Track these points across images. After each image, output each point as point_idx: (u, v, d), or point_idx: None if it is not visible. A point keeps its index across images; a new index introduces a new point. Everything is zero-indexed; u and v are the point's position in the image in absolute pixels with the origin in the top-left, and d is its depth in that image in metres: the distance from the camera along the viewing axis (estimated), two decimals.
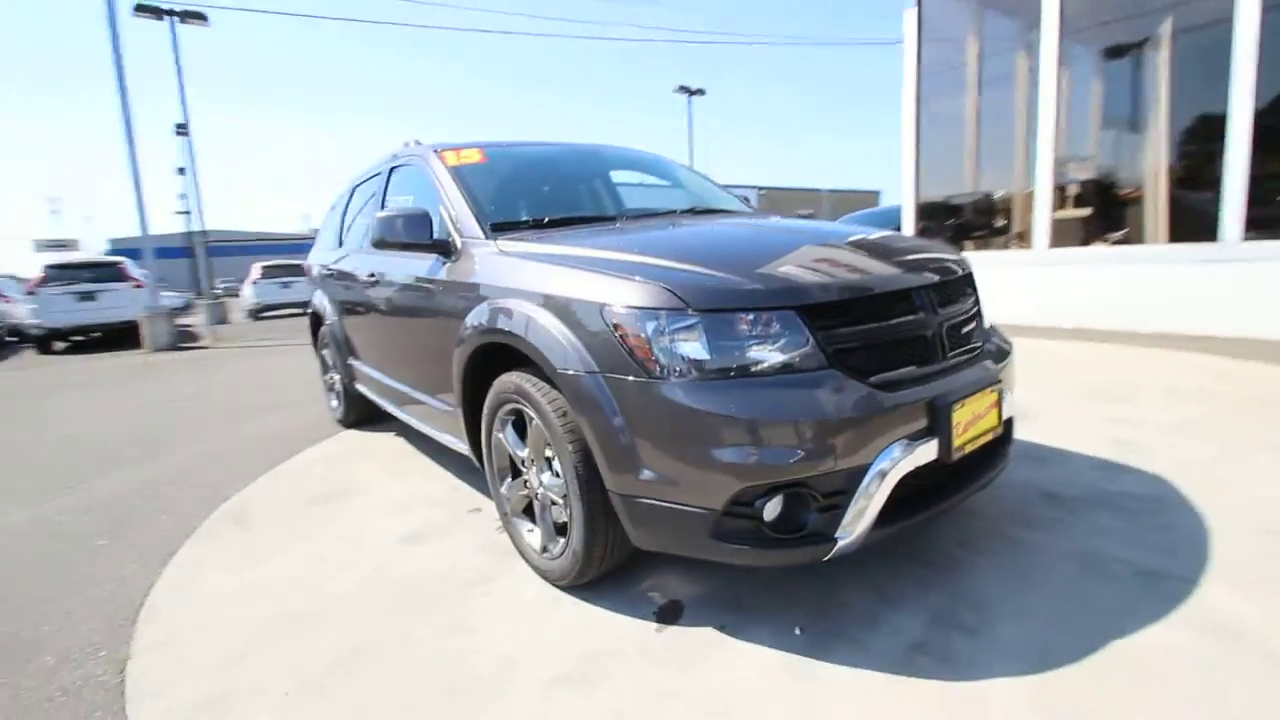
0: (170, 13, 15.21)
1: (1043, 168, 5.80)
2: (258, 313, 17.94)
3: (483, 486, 2.92)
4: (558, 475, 1.90)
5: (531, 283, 1.90)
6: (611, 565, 1.89)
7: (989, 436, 1.81)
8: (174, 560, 2.45)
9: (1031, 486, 2.44)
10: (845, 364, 1.60)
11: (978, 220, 7.08)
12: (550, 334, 1.75)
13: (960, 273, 1.99)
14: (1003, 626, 1.64)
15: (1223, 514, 2.13)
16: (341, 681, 1.65)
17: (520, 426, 2.07)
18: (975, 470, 1.85)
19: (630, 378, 1.59)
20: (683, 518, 1.57)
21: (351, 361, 3.79)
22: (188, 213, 24.98)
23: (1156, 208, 5.70)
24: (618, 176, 3.09)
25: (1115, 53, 6.41)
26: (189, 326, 14.24)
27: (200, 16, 15.52)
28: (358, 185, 3.87)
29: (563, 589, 1.97)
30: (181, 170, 37.61)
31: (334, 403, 4.40)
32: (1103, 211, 6.40)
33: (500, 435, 2.13)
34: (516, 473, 2.17)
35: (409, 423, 3.08)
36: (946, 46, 7.10)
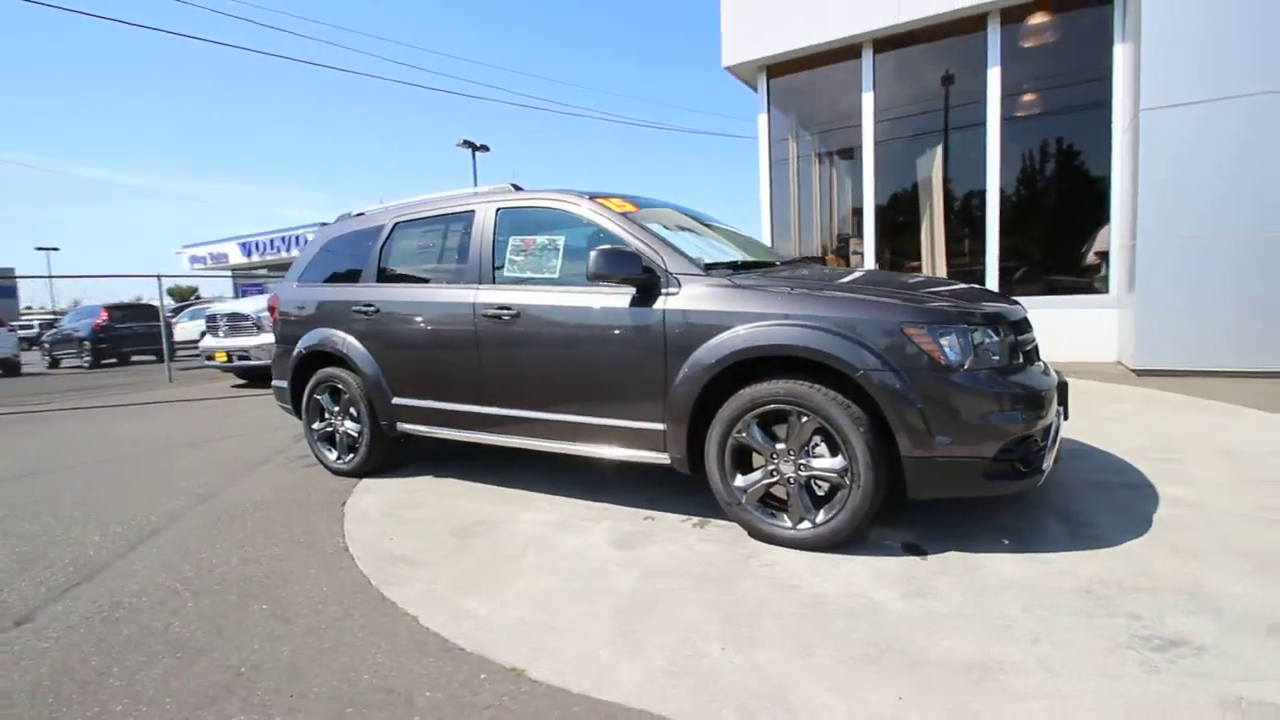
0: None
1: (869, 237, 7.77)
2: None
3: (628, 500, 3.18)
4: (821, 457, 2.46)
5: (803, 309, 2.46)
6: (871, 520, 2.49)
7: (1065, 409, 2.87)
8: (389, 600, 2.32)
9: None
10: (1027, 360, 2.51)
11: None
12: (846, 344, 2.35)
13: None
14: (1098, 520, 2.65)
15: (1127, 453, 3.51)
16: (752, 631, 1.97)
17: (765, 427, 2.56)
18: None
19: (926, 371, 2.28)
20: (963, 467, 2.29)
21: (399, 401, 3.65)
22: None
23: (935, 270, 8.00)
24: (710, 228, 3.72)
25: (905, 153, 8.86)
26: None
27: None
28: (400, 222, 3.81)
29: (820, 550, 2.49)
30: None
31: (332, 454, 4.05)
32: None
33: (741, 436, 2.58)
34: (745, 470, 2.63)
35: (532, 448, 3.19)
36: (780, 144, 9.00)
